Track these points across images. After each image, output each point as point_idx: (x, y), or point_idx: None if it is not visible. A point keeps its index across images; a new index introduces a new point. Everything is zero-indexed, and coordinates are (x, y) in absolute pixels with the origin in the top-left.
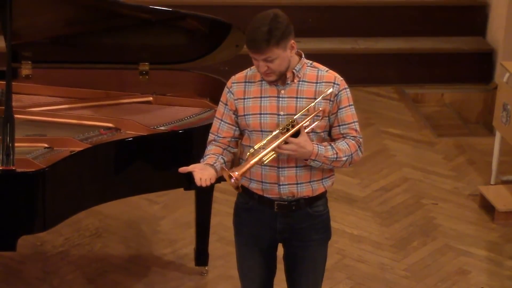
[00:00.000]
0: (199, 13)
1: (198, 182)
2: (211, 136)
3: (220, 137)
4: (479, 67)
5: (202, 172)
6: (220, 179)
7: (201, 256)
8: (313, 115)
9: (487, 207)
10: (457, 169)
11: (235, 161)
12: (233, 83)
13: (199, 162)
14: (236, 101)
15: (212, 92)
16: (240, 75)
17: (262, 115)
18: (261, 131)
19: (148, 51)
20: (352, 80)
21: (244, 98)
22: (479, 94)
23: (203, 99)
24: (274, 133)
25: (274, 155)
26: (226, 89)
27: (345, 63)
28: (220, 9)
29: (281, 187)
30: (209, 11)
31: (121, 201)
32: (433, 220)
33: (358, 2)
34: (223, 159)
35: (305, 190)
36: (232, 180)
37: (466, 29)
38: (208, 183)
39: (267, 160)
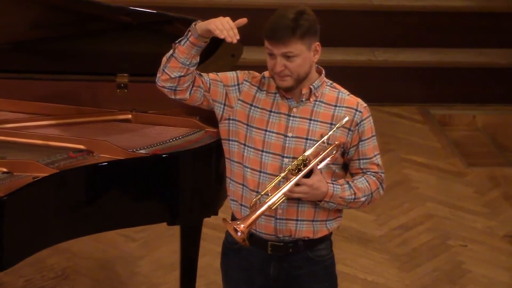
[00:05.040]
0: (189, 16)
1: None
2: None
3: (203, 75)
4: None
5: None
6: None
7: None
8: (328, 150)
9: None
10: (490, 205)
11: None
12: (246, 81)
13: (185, 191)
14: (240, 103)
15: (202, 110)
16: (255, 77)
17: (267, 133)
18: (262, 150)
19: (127, 60)
20: (368, 98)
21: (252, 105)
22: None
23: (191, 118)
24: (281, 174)
25: (284, 199)
26: (235, 77)
27: (361, 78)
28: (213, 12)
29: (277, 221)
30: (201, 15)
31: (93, 237)
32: (462, 265)
33: (377, 7)
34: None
35: (305, 230)
36: (239, 234)
37: (503, 40)
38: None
39: (275, 206)
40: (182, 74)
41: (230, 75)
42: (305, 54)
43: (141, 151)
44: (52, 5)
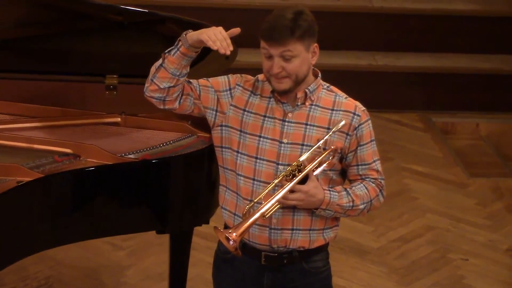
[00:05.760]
0: (181, 16)
1: (214, 43)
2: None
3: (193, 82)
4: None
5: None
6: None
7: None
8: (324, 155)
9: None
10: (493, 217)
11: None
12: (239, 85)
13: (175, 199)
14: (232, 108)
15: None
16: (248, 80)
17: (261, 139)
18: (256, 157)
19: (117, 61)
20: (368, 104)
21: (245, 111)
22: None
23: (182, 122)
24: (275, 181)
25: (278, 206)
26: (227, 81)
27: (360, 83)
28: (208, 12)
29: (272, 231)
30: (196, 14)
31: (78, 245)
32: (462, 279)
33: (377, 9)
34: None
35: (301, 239)
36: (231, 243)
37: (507, 45)
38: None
39: (269, 214)
40: (172, 84)
41: (221, 80)
42: (303, 55)
43: (130, 156)
44: (38, 2)
